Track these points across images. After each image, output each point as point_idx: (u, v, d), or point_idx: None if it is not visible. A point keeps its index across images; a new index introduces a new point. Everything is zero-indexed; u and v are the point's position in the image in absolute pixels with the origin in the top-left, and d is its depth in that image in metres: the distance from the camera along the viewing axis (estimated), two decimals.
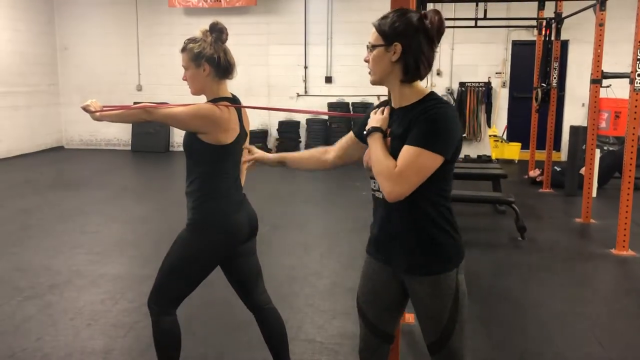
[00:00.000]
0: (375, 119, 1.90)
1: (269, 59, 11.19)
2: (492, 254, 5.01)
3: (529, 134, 8.67)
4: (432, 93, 1.83)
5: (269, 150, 11.09)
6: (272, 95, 11.21)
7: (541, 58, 7.83)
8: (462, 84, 10.61)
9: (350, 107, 10.69)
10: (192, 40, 2.37)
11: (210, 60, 2.34)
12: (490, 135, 10.38)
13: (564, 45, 9.41)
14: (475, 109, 10.59)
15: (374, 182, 1.89)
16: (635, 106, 4.84)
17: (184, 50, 2.37)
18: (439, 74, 10.63)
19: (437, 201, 1.83)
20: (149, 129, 11.28)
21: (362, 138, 1.96)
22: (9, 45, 10.50)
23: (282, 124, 11.02)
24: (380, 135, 1.84)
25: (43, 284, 4.15)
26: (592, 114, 6.04)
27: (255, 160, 2.37)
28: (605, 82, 5.83)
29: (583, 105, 10.04)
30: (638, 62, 4.76)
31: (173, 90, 10.37)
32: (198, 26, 2.41)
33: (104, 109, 2.29)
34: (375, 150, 1.81)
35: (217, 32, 2.37)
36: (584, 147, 6.94)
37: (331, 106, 10.72)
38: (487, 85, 10.54)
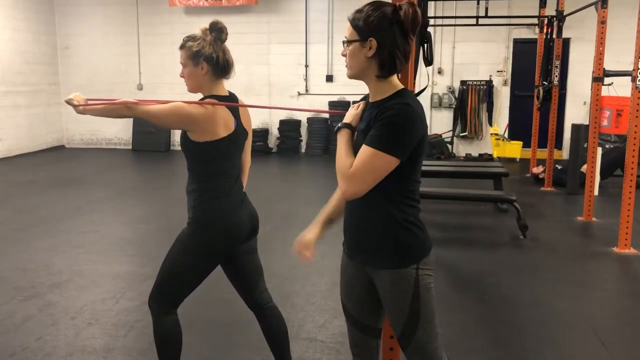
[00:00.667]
0: (349, 114, 1.92)
1: (270, 57, 11.18)
2: (493, 253, 5.00)
3: (530, 133, 8.66)
4: (402, 90, 1.81)
5: (270, 149, 11.09)
6: (273, 94, 11.21)
7: (543, 56, 7.81)
8: (463, 83, 10.59)
9: (351, 106, 10.66)
10: (192, 38, 2.36)
11: (209, 59, 2.33)
12: (491, 134, 10.36)
13: (566, 43, 9.38)
14: (477, 107, 10.57)
15: None
16: (638, 104, 4.82)
17: (182, 47, 2.37)
18: (440, 72, 10.62)
19: (398, 200, 1.82)
20: (149, 128, 11.28)
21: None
22: (9, 45, 10.50)
23: (283, 123, 11.00)
24: (348, 131, 1.86)
25: (44, 283, 4.14)
26: (594, 112, 6.02)
27: (310, 250, 2.18)
28: (607, 80, 5.81)
29: (585, 103, 10.02)
30: None
31: (174, 89, 10.36)
32: (199, 25, 2.41)
33: (88, 103, 2.28)
34: (339, 147, 1.83)
35: (217, 32, 2.37)
36: (585, 146, 6.93)
37: (332, 105, 10.71)
38: (489, 83, 10.52)
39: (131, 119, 9.50)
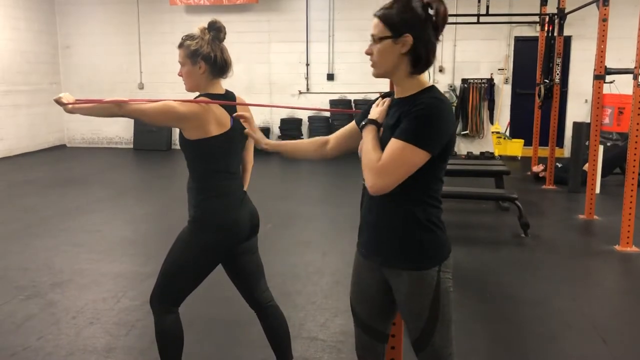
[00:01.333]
0: (375, 111, 1.88)
1: (271, 56, 11.17)
2: (495, 251, 5.00)
3: (531, 131, 8.65)
4: (432, 87, 1.79)
5: None
6: (274, 92, 11.20)
7: (544, 54, 7.80)
8: (464, 81, 10.57)
9: (352, 104, 10.67)
10: (190, 37, 2.36)
11: (207, 59, 2.33)
12: (492, 132, 10.35)
13: (567, 41, 9.37)
14: (478, 105, 10.56)
15: None
16: (639, 102, 4.80)
17: (181, 46, 2.37)
18: (441, 70, 10.60)
19: (421, 199, 1.79)
20: (151, 127, 11.27)
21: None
22: (10, 44, 10.50)
23: (284, 122, 11.00)
24: (375, 127, 1.82)
25: (45, 283, 4.14)
26: (596, 110, 6.01)
27: (249, 123, 2.15)
28: (608, 78, 5.81)
29: (586, 101, 10.00)
30: None
31: (175, 88, 10.31)
32: (199, 24, 2.40)
33: (77, 102, 2.27)
34: (367, 142, 1.79)
35: (215, 31, 2.37)
36: (587, 144, 6.92)
37: (333, 103, 10.70)
38: (490, 81, 10.50)
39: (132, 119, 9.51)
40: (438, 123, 1.69)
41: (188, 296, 2.44)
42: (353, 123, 2.08)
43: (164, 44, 11.12)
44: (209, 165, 2.35)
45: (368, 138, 1.80)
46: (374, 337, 2.01)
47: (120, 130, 11.85)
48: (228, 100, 2.40)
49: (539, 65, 8.11)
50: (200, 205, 2.35)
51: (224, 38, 2.40)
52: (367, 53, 1.81)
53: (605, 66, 5.70)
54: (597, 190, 6.62)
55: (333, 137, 2.14)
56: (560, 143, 9.89)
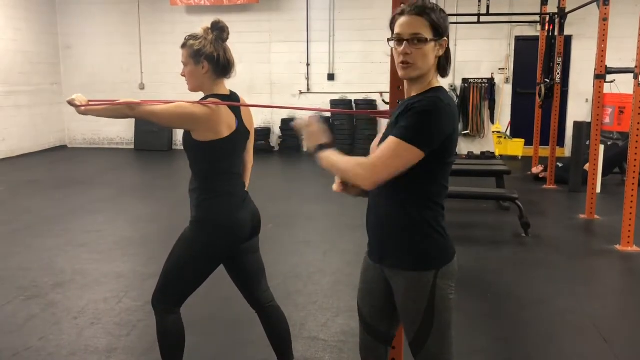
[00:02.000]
0: (313, 135, 1.87)
1: (271, 56, 11.18)
2: (496, 251, 5.00)
3: (532, 130, 8.64)
4: (440, 87, 1.80)
5: (271, 148, 11.10)
6: (274, 93, 11.20)
7: (544, 54, 7.79)
8: (465, 80, 10.57)
9: (353, 104, 10.66)
10: (193, 37, 2.36)
11: (210, 58, 2.33)
12: (493, 132, 10.35)
13: (568, 40, 9.36)
14: (479, 105, 10.55)
15: None
16: None
17: (184, 46, 2.37)
18: None
19: (421, 202, 1.78)
20: (152, 128, 11.28)
21: None
22: (11, 45, 10.51)
23: (285, 122, 11.00)
24: (328, 151, 1.81)
25: (46, 283, 4.15)
26: (596, 109, 6.01)
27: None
28: (609, 77, 5.81)
29: (587, 100, 10.00)
30: None
31: (176, 88, 10.32)
32: (200, 24, 2.41)
33: (90, 103, 2.28)
34: (334, 163, 1.77)
35: (218, 31, 2.37)
36: (587, 143, 6.92)
37: (334, 103, 10.70)
38: (490, 81, 10.50)
39: (133, 119, 9.52)
40: (431, 120, 1.67)
41: (190, 296, 2.45)
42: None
43: (164, 44, 11.13)
44: (213, 166, 2.35)
45: (332, 160, 1.78)
46: (377, 338, 2.01)
47: (121, 131, 11.85)
48: (233, 101, 2.40)
49: (540, 64, 8.10)
50: (202, 205, 2.36)
51: (227, 38, 2.40)
52: (405, 53, 1.75)
53: (606, 66, 5.70)
54: (598, 190, 6.62)
55: None
56: (560, 143, 9.89)
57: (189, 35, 2.38)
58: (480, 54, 10.49)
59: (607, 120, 8.85)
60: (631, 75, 4.91)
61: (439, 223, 1.81)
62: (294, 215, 6.13)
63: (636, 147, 4.88)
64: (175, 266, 2.39)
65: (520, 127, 10.37)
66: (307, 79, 11.11)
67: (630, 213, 4.93)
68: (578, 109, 10.25)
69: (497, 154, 10.11)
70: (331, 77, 11.02)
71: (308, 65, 11.07)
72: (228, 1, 10.82)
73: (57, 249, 4.97)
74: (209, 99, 2.33)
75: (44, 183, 8.11)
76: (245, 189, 2.53)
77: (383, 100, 10.30)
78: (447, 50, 1.79)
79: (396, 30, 1.77)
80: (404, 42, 1.74)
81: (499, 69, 10.51)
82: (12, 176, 8.72)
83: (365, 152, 1.89)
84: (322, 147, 1.84)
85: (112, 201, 6.96)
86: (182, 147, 2.47)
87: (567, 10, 7.30)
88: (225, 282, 2.67)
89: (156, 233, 5.52)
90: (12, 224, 5.84)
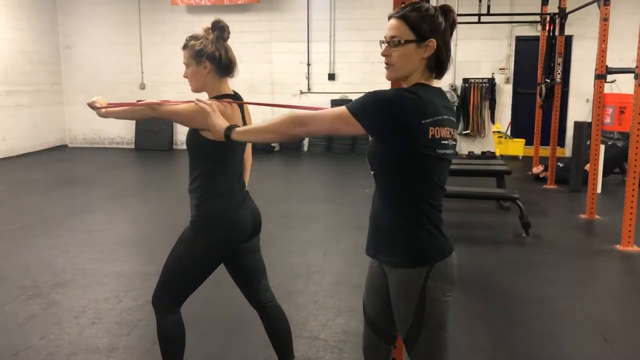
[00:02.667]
0: (218, 120, 2.04)
1: (272, 56, 11.19)
2: (496, 251, 5.00)
3: (533, 130, 8.64)
4: (418, 84, 1.79)
5: (272, 148, 11.10)
6: (275, 92, 11.21)
7: (545, 54, 7.79)
8: (465, 80, 10.58)
9: None
10: (194, 37, 2.36)
11: (211, 58, 2.33)
12: (494, 132, 10.35)
13: (568, 40, 9.37)
14: (479, 105, 10.56)
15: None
16: None
17: (185, 47, 2.37)
18: None
19: (409, 200, 1.79)
20: (152, 127, 11.30)
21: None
22: (12, 45, 10.52)
23: None
24: (236, 130, 1.97)
25: (47, 283, 4.15)
26: (597, 109, 6.01)
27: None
28: (609, 77, 5.80)
29: (587, 100, 10.00)
30: None
31: (176, 88, 10.36)
32: (201, 24, 2.41)
33: (110, 105, 2.29)
34: (262, 126, 1.92)
35: (219, 30, 2.37)
36: (588, 143, 6.92)
37: (334, 103, 10.71)
38: (491, 81, 10.51)
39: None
40: (376, 101, 1.70)
41: (190, 296, 2.45)
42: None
43: (165, 44, 11.14)
44: (216, 165, 2.35)
45: (257, 126, 1.94)
46: (380, 337, 2.02)
47: (121, 130, 11.86)
48: (237, 100, 2.41)
49: (540, 64, 8.11)
50: (202, 205, 2.36)
51: (228, 37, 2.40)
52: (384, 55, 1.79)
53: (607, 66, 5.70)
54: (599, 190, 6.62)
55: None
56: (561, 142, 9.89)
57: (190, 36, 2.38)
58: (480, 54, 10.50)
59: (607, 120, 8.85)
60: (632, 75, 4.91)
61: (432, 222, 1.80)
62: (295, 215, 6.13)
63: (637, 147, 4.88)
64: (175, 265, 2.39)
65: (520, 127, 10.38)
66: (308, 78, 11.12)
67: (631, 213, 4.93)
68: (578, 109, 10.26)
69: (497, 153, 10.12)
70: (332, 76, 11.03)
71: (309, 65, 11.07)
72: (229, 1, 10.83)
73: (58, 248, 4.97)
74: (225, 99, 2.33)
75: (44, 183, 8.12)
76: (245, 188, 2.53)
77: None
78: (439, 51, 1.76)
79: (385, 33, 1.82)
80: (386, 45, 1.79)
81: (500, 69, 10.52)
82: (12, 176, 8.73)
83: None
84: (232, 127, 1.99)
85: (113, 201, 6.97)
86: (182, 147, 2.48)
87: (567, 10, 7.30)
88: (225, 281, 2.67)
89: (157, 232, 5.53)
90: (12, 223, 5.84)
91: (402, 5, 1.87)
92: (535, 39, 9.09)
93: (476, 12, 7.65)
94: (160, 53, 11.32)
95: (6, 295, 3.91)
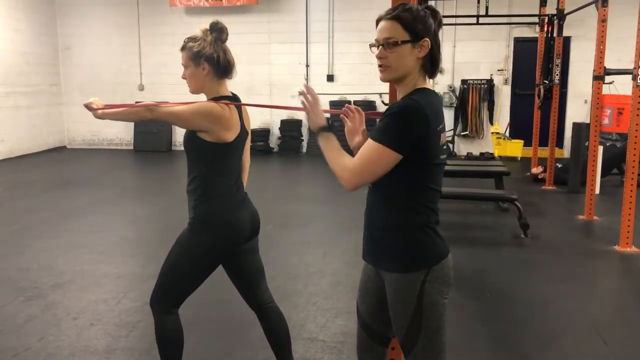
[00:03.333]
0: (316, 116, 1.94)
1: (271, 57, 11.19)
2: (495, 252, 5.01)
3: (531, 131, 8.65)
4: (423, 89, 1.79)
5: (271, 149, 11.11)
6: (273, 94, 11.21)
7: (543, 55, 7.81)
8: (464, 82, 10.59)
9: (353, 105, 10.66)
10: (192, 39, 2.36)
11: (210, 60, 2.33)
12: (492, 133, 10.36)
13: (567, 41, 9.37)
14: (478, 106, 10.57)
15: None
16: (639, 102, 4.81)
17: (183, 48, 2.37)
18: (440, 71, 10.59)
19: (406, 204, 1.78)
20: (151, 129, 11.30)
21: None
22: (10, 45, 10.51)
23: (284, 123, 11.01)
24: (329, 133, 1.86)
25: (46, 284, 4.15)
26: (595, 110, 6.02)
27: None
28: (608, 78, 5.81)
29: (586, 102, 10.01)
30: None
31: (175, 89, 10.35)
32: (199, 25, 2.41)
33: (106, 107, 2.29)
34: (329, 152, 1.82)
35: (217, 32, 2.37)
36: (586, 144, 6.92)
37: (333, 104, 10.70)
38: (489, 82, 10.51)
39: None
40: (402, 121, 1.69)
41: (188, 297, 2.45)
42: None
43: (164, 45, 11.14)
44: (215, 167, 2.35)
45: (329, 148, 1.83)
46: (375, 339, 2.01)
47: (120, 132, 11.86)
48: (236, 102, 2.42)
49: (539, 66, 8.12)
50: (201, 206, 2.36)
51: (226, 39, 2.40)
52: (380, 57, 1.79)
53: (605, 67, 5.71)
54: (597, 191, 6.63)
55: None
56: (560, 143, 9.90)
57: (188, 38, 2.38)
58: (479, 55, 10.51)
59: (605, 121, 8.85)
60: (630, 76, 4.92)
61: (428, 225, 1.80)
62: (294, 216, 6.13)
63: (635, 148, 4.89)
64: (173, 267, 2.39)
65: (519, 128, 10.39)
66: (307, 80, 11.11)
67: (629, 214, 4.93)
68: (577, 110, 10.27)
69: (496, 154, 10.13)
70: (330, 78, 11.04)
71: (307, 66, 11.08)
72: (227, 2, 10.83)
73: (57, 249, 4.97)
74: (223, 100, 2.33)
75: (43, 184, 8.11)
76: (244, 190, 2.53)
77: (382, 102, 10.31)
78: (432, 51, 1.77)
79: (375, 35, 1.81)
80: (380, 47, 1.78)
81: (498, 70, 10.53)
82: (11, 177, 8.72)
83: None
84: (323, 129, 1.89)
85: (112, 202, 6.97)
86: (181, 148, 2.48)
87: (565, 12, 7.31)
88: (224, 282, 2.67)
89: (155, 234, 5.53)
90: (11, 224, 5.83)
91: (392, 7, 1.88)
92: (534, 40, 9.10)
93: (475, 13, 7.66)
94: (159, 54, 11.32)
95: (5, 297, 3.91)
